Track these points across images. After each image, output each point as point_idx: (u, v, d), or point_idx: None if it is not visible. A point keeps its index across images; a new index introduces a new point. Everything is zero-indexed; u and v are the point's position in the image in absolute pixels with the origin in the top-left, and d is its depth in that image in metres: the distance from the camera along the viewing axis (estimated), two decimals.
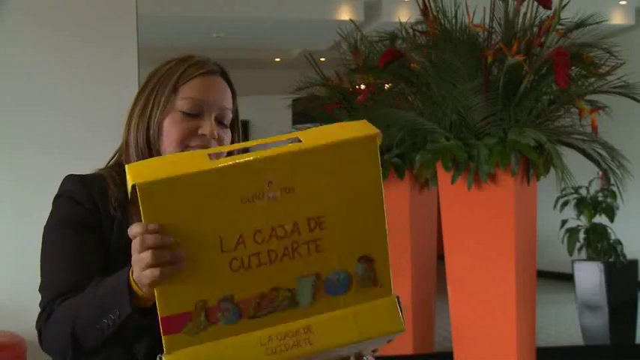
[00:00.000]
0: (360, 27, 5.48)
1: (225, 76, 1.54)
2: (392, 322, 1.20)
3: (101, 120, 3.94)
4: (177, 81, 1.49)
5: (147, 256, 1.10)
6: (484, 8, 3.70)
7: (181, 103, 1.48)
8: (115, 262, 1.43)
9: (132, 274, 1.19)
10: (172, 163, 1.12)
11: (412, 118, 3.88)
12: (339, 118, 5.00)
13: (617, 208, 5.57)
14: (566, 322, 6.67)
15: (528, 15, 3.67)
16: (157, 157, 1.14)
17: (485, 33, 3.72)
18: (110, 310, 1.24)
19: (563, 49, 3.42)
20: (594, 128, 3.63)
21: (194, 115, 1.48)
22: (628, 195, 4.20)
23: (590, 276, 5.48)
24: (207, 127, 1.47)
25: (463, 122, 3.78)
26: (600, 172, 4.65)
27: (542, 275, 7.08)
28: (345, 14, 8.19)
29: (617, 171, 3.82)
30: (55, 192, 1.49)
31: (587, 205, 5.55)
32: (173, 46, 8.50)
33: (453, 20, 3.76)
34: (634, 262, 5.55)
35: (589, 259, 5.55)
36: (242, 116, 1.60)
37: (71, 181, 1.49)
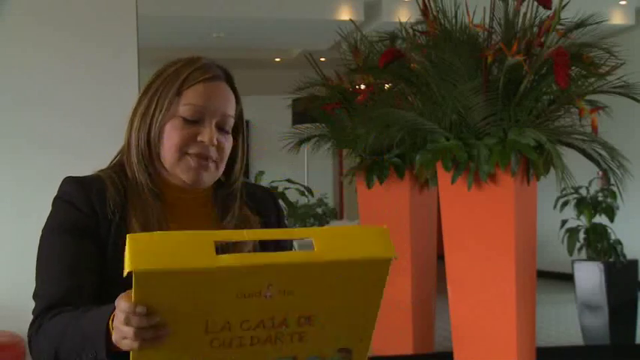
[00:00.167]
0: (360, 27, 5.48)
1: (230, 81, 1.53)
2: None
3: (101, 120, 3.94)
4: (182, 85, 1.48)
5: (129, 331, 1.11)
6: (484, 8, 3.70)
7: (183, 108, 1.47)
8: (113, 265, 1.43)
9: (112, 322, 1.18)
10: (176, 247, 1.06)
11: (412, 118, 3.88)
12: (339, 118, 5.01)
13: (617, 208, 5.57)
14: (566, 322, 6.67)
15: (528, 15, 3.66)
16: (160, 232, 1.09)
17: (485, 33, 3.72)
18: (89, 349, 1.24)
19: (563, 49, 3.41)
20: (594, 128, 3.63)
21: (195, 121, 1.48)
22: (628, 195, 4.20)
23: (590, 276, 5.48)
24: (206, 134, 1.47)
25: (463, 122, 3.78)
26: (600, 172, 4.64)
27: (542, 275, 7.07)
28: (345, 14, 8.19)
29: (617, 171, 3.82)
30: (55, 192, 1.49)
31: (587, 205, 5.55)
32: (173, 46, 8.50)
33: (453, 20, 3.76)
34: (634, 262, 5.55)
35: (589, 259, 5.55)
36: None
37: (69, 183, 1.48)
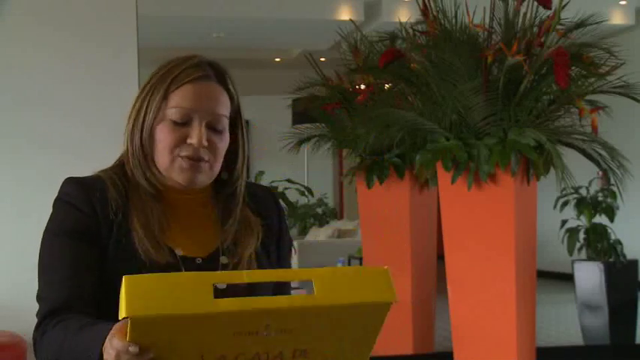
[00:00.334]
0: (360, 27, 5.48)
1: (221, 79, 1.52)
2: None
3: (101, 120, 3.94)
4: (168, 88, 1.47)
5: None
6: (484, 8, 3.70)
7: (171, 111, 1.47)
8: (113, 264, 1.44)
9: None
10: (174, 290, 1.05)
11: (412, 118, 3.88)
12: (339, 118, 5.01)
13: (617, 208, 5.57)
14: (566, 322, 6.67)
15: (528, 15, 3.66)
16: (157, 275, 1.07)
17: (485, 33, 3.72)
18: None
19: (563, 49, 3.41)
20: (594, 128, 3.63)
21: (184, 123, 1.47)
22: (628, 195, 4.20)
23: (590, 276, 5.48)
24: (195, 136, 1.46)
25: (463, 122, 3.78)
26: (600, 172, 4.64)
27: (542, 275, 7.08)
28: (345, 14, 8.20)
29: (617, 171, 3.82)
30: (55, 192, 1.49)
31: (587, 205, 5.56)
32: (173, 46, 8.50)
33: (453, 20, 3.76)
34: (634, 262, 5.55)
35: (589, 259, 5.55)
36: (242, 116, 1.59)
37: (70, 184, 1.48)
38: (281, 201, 1.73)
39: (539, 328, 4.64)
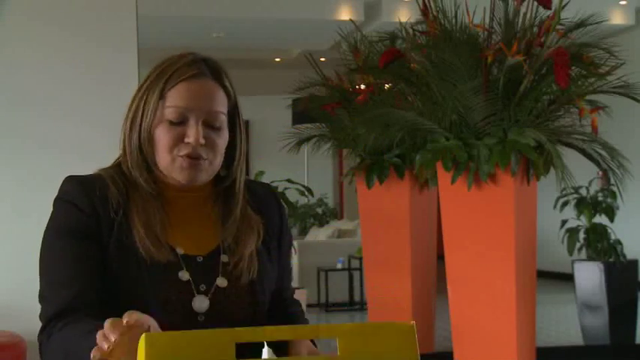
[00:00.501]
0: (360, 27, 5.48)
1: (217, 76, 1.51)
2: None
3: (101, 120, 3.93)
4: (164, 88, 1.47)
5: None
6: (484, 8, 3.70)
7: (168, 111, 1.47)
8: (114, 263, 1.44)
9: None
10: (195, 349, 1.02)
11: (412, 118, 3.88)
12: (339, 118, 5.01)
13: (617, 208, 5.57)
14: (566, 322, 6.67)
15: (528, 15, 3.66)
16: (177, 333, 1.04)
17: (485, 33, 3.72)
18: None
19: (563, 49, 3.41)
20: (594, 128, 3.63)
21: (181, 122, 1.47)
22: (628, 195, 4.20)
23: (590, 276, 5.48)
24: (192, 134, 1.46)
25: (463, 122, 3.78)
26: (600, 172, 4.65)
27: (542, 275, 7.08)
28: (345, 14, 8.19)
29: (617, 171, 3.82)
30: (55, 192, 1.49)
31: (587, 205, 5.56)
32: (173, 46, 8.49)
33: (453, 20, 3.76)
34: (634, 262, 5.55)
35: (589, 259, 5.55)
36: (242, 116, 1.58)
37: (71, 183, 1.48)
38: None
39: (539, 328, 4.64)
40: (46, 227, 1.47)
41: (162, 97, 1.48)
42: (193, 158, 1.47)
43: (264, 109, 10.67)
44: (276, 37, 9.41)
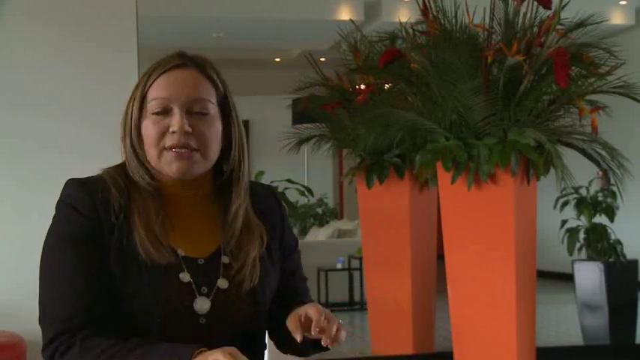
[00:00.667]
0: (360, 27, 5.48)
1: (201, 67, 1.50)
2: None
3: (101, 120, 3.93)
4: (144, 88, 1.48)
5: None
6: (484, 8, 3.70)
7: (151, 105, 1.47)
8: (114, 264, 1.43)
9: None
10: None
11: (412, 118, 3.88)
12: (339, 118, 5.01)
13: (617, 208, 5.57)
14: (566, 322, 6.67)
15: (528, 15, 3.66)
16: None
17: (485, 33, 3.72)
18: None
19: (563, 49, 3.41)
20: (594, 128, 3.63)
21: (164, 113, 1.46)
22: (628, 195, 4.20)
23: (590, 276, 5.48)
24: (175, 123, 1.45)
25: (463, 122, 3.78)
26: (600, 172, 4.64)
27: (542, 275, 7.07)
28: (345, 14, 8.19)
29: (617, 171, 3.82)
30: (55, 192, 1.49)
31: (587, 205, 5.56)
32: (173, 46, 8.44)
33: (453, 20, 3.76)
34: (634, 262, 5.55)
35: (589, 259, 5.55)
36: (242, 116, 1.57)
37: (73, 186, 1.48)
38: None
39: (539, 328, 4.64)
40: (49, 231, 1.46)
41: (145, 92, 1.48)
42: (179, 147, 1.45)
43: (264, 109, 10.67)
44: (276, 37, 9.41)
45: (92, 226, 1.43)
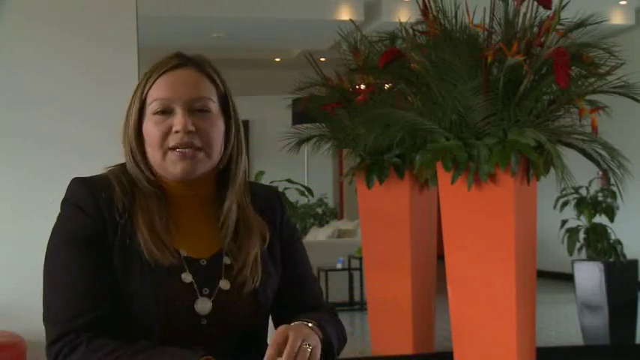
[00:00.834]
0: (360, 27, 5.48)
1: (199, 66, 1.50)
2: None
3: (101, 120, 3.93)
4: (144, 90, 1.48)
5: None
6: (484, 8, 3.70)
7: (152, 106, 1.47)
8: (117, 263, 1.43)
9: None
10: None
11: (412, 118, 3.88)
12: (339, 118, 5.00)
13: (617, 208, 5.57)
14: (566, 322, 6.67)
15: (528, 15, 3.66)
16: None
17: (485, 33, 3.72)
18: None
19: (563, 49, 3.41)
20: (594, 128, 3.63)
21: (166, 114, 1.46)
22: (628, 195, 4.20)
23: (590, 276, 5.48)
24: (178, 122, 1.45)
25: (463, 122, 3.78)
26: (600, 172, 4.64)
27: (542, 275, 7.07)
28: (345, 14, 8.19)
29: (617, 171, 3.82)
30: (55, 192, 1.49)
31: (587, 205, 5.55)
32: (173, 46, 8.45)
33: (453, 20, 3.76)
34: (634, 262, 5.55)
35: (589, 259, 5.55)
36: (242, 116, 1.57)
37: (78, 185, 1.48)
38: None
39: (539, 328, 4.64)
40: (53, 230, 1.46)
41: (145, 95, 1.48)
42: (183, 147, 1.45)
43: (264, 109, 10.67)
44: (276, 37, 9.41)
45: (96, 226, 1.43)
